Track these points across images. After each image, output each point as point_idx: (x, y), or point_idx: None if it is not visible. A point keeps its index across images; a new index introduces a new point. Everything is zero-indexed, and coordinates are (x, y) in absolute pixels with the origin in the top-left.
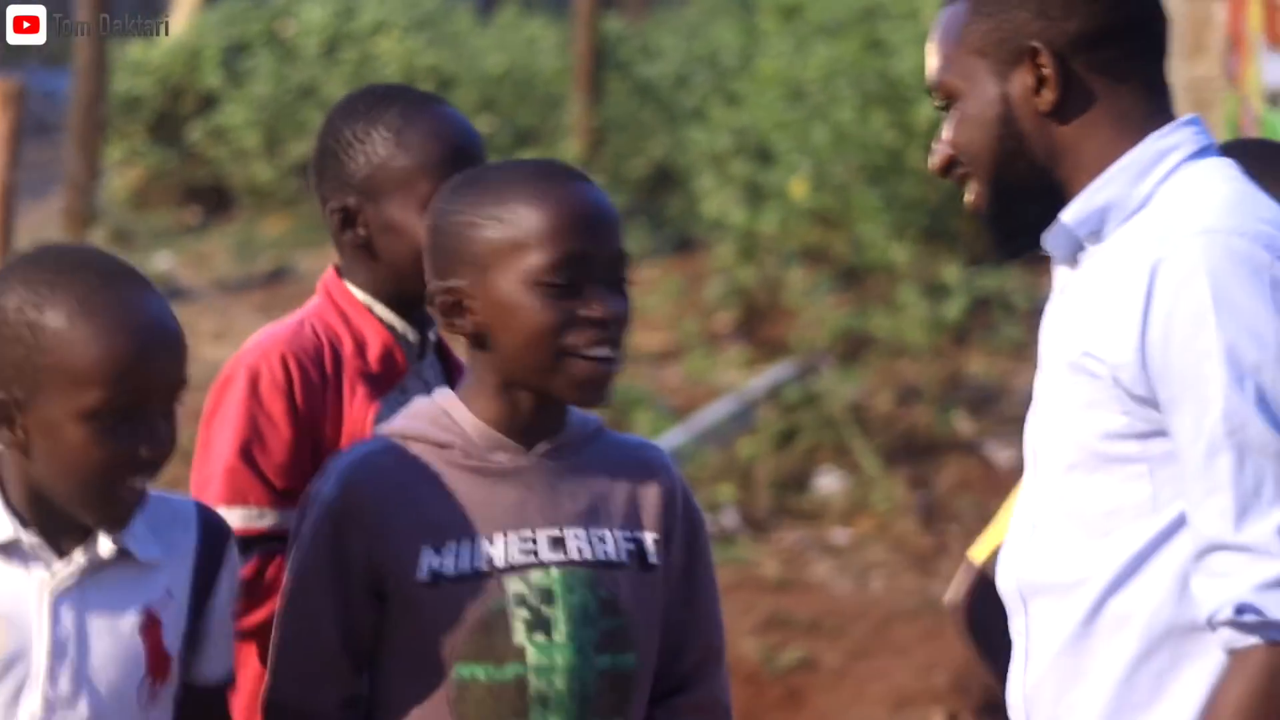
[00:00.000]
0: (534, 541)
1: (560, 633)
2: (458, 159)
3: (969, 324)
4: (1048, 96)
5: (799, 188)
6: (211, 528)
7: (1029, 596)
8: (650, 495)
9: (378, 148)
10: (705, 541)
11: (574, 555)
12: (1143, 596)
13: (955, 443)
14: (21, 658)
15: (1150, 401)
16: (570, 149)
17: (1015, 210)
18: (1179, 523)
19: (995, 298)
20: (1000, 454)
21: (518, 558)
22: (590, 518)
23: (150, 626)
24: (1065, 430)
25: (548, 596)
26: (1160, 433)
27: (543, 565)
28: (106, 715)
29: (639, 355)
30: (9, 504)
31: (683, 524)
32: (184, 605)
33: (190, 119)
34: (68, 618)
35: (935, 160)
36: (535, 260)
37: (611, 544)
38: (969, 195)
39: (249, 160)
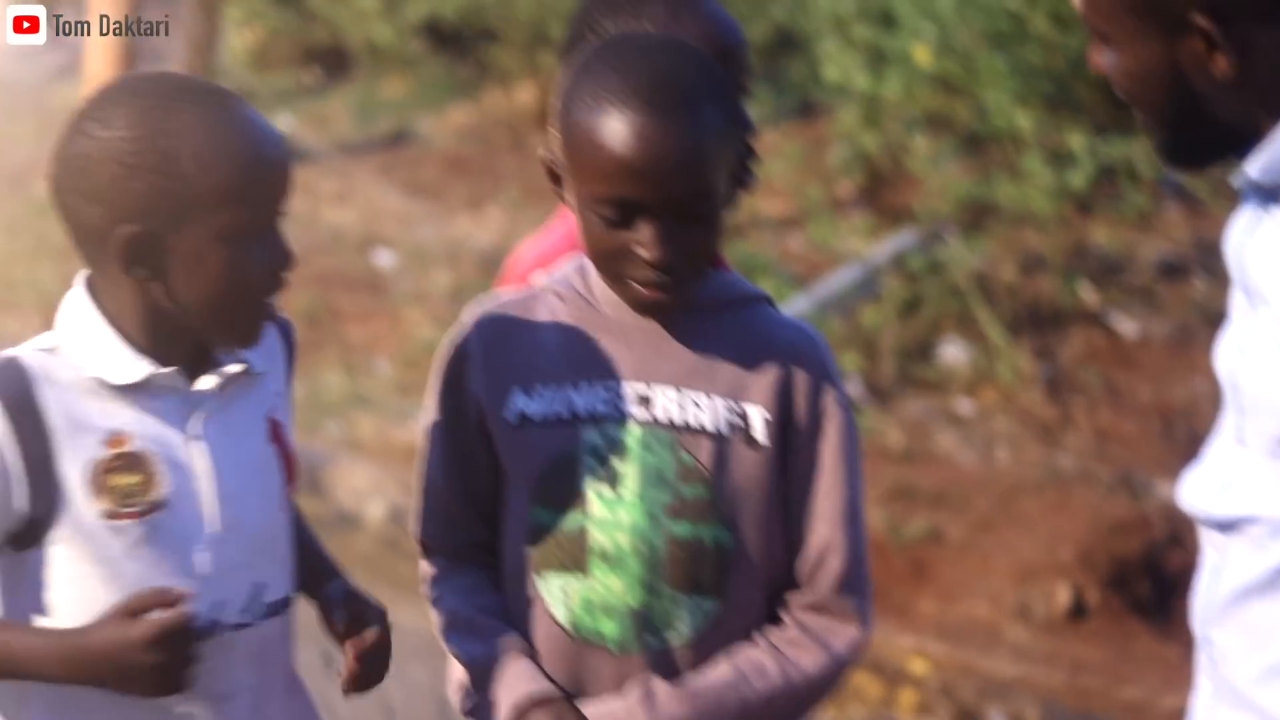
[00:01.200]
0: (619, 395)
1: (629, 489)
2: (724, 57)
3: (1094, 192)
4: (1223, 66)
5: (922, 53)
6: (284, 324)
7: (1229, 530)
8: (769, 373)
9: None
10: (842, 437)
11: (658, 414)
12: None
13: (1080, 313)
14: (187, 491)
15: None
16: None
17: (1189, 151)
18: None
19: (1121, 166)
20: (1125, 325)
21: (599, 408)
22: (688, 379)
23: (276, 432)
24: None
25: (621, 450)
26: None
27: (622, 418)
28: (267, 530)
29: (761, 221)
30: (132, 344)
31: (812, 413)
32: (288, 401)
33: None
34: (217, 443)
35: (1095, 69)
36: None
37: (708, 411)
38: (1137, 116)
39: (368, 21)
